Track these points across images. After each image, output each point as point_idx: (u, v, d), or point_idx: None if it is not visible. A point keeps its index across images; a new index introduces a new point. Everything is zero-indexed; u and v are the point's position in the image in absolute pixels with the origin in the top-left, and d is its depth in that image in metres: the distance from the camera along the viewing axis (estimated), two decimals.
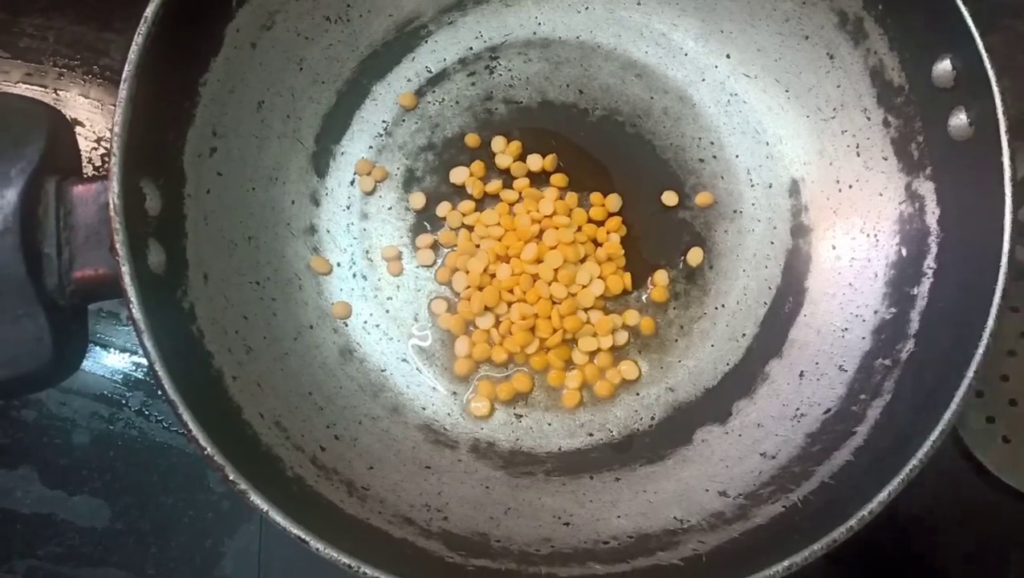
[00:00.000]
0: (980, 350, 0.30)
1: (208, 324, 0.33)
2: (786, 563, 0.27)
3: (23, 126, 0.30)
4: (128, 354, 0.45)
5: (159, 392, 0.43)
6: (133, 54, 0.30)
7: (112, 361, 0.45)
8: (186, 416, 0.27)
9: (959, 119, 0.34)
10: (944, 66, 0.34)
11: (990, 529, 0.42)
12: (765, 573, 0.27)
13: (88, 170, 0.47)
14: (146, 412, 0.45)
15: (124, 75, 0.30)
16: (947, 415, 0.29)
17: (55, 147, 0.31)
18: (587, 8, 0.42)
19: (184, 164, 0.33)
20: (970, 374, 0.30)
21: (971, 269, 0.33)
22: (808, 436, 0.34)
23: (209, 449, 0.27)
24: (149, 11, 0.31)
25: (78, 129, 0.48)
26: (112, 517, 0.43)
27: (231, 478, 0.27)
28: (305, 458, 0.33)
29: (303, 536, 0.27)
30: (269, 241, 0.37)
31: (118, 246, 0.28)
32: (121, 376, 0.45)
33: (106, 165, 0.48)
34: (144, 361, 0.45)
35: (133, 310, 0.28)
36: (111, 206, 0.28)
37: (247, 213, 0.37)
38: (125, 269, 0.28)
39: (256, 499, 0.27)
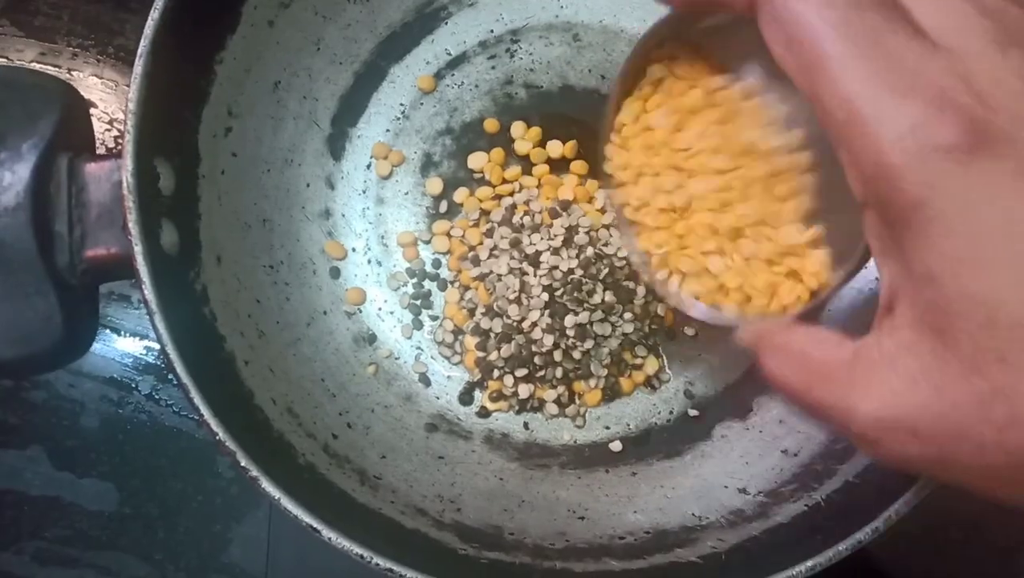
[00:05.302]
0: None
1: (221, 307, 0.32)
2: (809, 563, 0.27)
3: (37, 101, 0.30)
4: (139, 338, 0.45)
5: (170, 375, 0.43)
6: (149, 29, 0.29)
7: (123, 344, 0.45)
8: (198, 400, 0.27)
9: None
10: None
11: (1003, 539, 0.41)
12: (787, 573, 0.27)
13: (101, 151, 0.46)
14: (156, 396, 0.44)
15: (139, 51, 0.29)
16: None
17: (69, 123, 0.30)
18: None
19: (199, 144, 0.33)
20: None
21: None
22: (832, 434, 0.34)
23: (221, 434, 0.27)
24: None
25: (91, 110, 0.47)
26: (120, 501, 0.43)
27: (243, 464, 0.27)
28: (317, 446, 0.32)
29: (315, 525, 0.27)
30: (283, 224, 0.37)
31: (131, 226, 0.28)
32: (131, 360, 0.45)
33: (119, 145, 0.48)
34: (155, 345, 0.44)
35: (145, 291, 0.27)
36: (125, 184, 0.28)
37: (261, 195, 0.36)
38: (138, 249, 0.28)
39: (268, 486, 0.27)
